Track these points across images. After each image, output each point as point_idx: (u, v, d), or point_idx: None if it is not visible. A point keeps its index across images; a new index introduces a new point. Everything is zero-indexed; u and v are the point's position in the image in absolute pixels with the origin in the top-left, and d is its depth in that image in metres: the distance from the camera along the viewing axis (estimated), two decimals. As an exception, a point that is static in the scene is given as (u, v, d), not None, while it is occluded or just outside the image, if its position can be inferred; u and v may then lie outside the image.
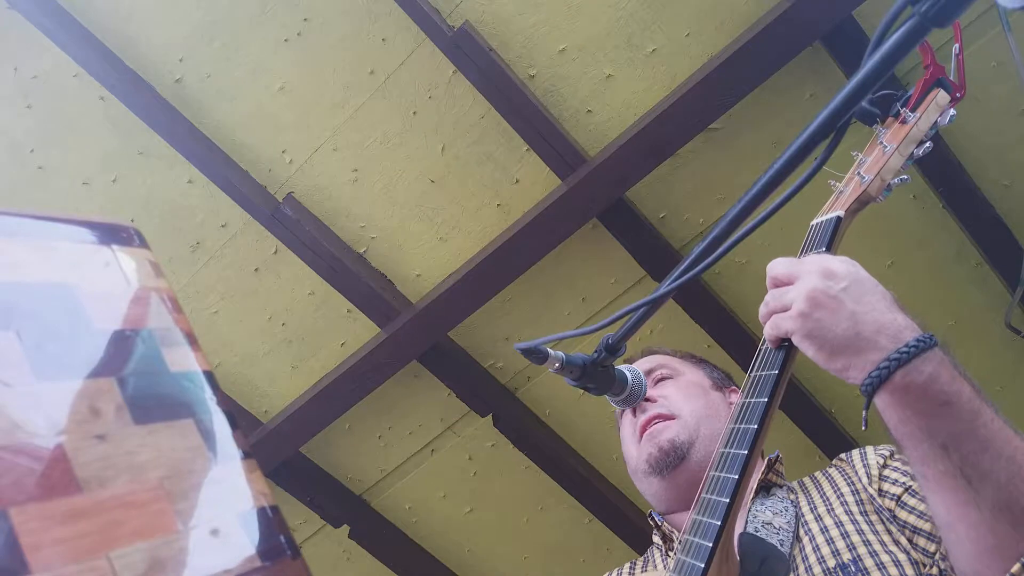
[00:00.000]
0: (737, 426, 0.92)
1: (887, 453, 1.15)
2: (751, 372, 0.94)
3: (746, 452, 0.88)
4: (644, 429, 1.26)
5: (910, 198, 2.06)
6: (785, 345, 0.90)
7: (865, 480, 1.11)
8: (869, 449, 1.20)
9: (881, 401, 0.81)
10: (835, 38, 1.83)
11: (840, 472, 1.19)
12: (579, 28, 1.88)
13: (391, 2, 1.81)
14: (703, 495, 0.92)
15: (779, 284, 0.89)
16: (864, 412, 0.84)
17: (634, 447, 1.29)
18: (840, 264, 0.86)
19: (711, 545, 0.87)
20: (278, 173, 2.06)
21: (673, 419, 1.26)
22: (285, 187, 2.07)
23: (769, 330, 0.89)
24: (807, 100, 1.94)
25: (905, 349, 0.79)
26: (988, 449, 0.77)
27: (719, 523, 0.87)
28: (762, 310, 0.91)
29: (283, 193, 2.07)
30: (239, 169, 2.03)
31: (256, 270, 2.17)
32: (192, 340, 0.48)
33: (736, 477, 0.88)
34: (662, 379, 1.35)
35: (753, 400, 0.91)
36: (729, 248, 0.90)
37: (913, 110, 0.98)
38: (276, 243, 2.11)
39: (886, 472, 1.11)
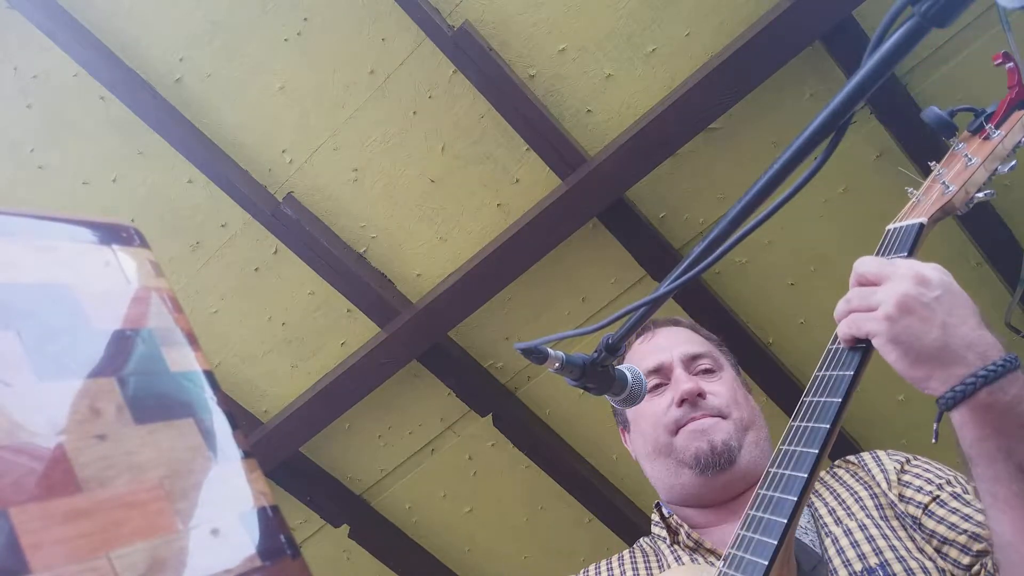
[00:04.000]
0: (805, 424, 0.88)
1: (903, 459, 1.13)
2: (819, 371, 0.91)
3: (816, 451, 0.85)
4: (693, 420, 1.20)
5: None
6: (862, 347, 0.87)
7: (884, 485, 1.09)
8: (882, 454, 1.17)
9: (960, 417, 0.79)
10: (835, 38, 1.83)
11: (851, 474, 1.17)
12: (579, 28, 1.88)
13: (391, 2, 1.81)
14: (761, 492, 0.89)
15: (866, 283, 0.86)
16: (935, 425, 0.82)
17: (666, 433, 1.22)
18: (934, 272, 0.83)
19: (776, 543, 0.84)
20: (278, 173, 2.06)
21: (725, 419, 1.20)
22: (285, 187, 2.07)
23: (846, 328, 0.85)
24: (807, 100, 1.94)
25: (992, 367, 0.77)
26: None
27: (785, 521, 0.84)
28: (841, 307, 0.88)
29: (283, 193, 2.07)
30: (239, 169, 2.03)
31: (256, 270, 2.17)
32: (192, 340, 0.48)
33: (805, 476, 0.84)
34: (708, 371, 1.28)
35: (824, 399, 0.88)
36: (729, 248, 0.90)
37: (997, 127, 0.98)
38: (276, 243, 2.11)
39: (906, 478, 1.09)
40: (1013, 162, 0.99)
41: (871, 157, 2.00)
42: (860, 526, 1.06)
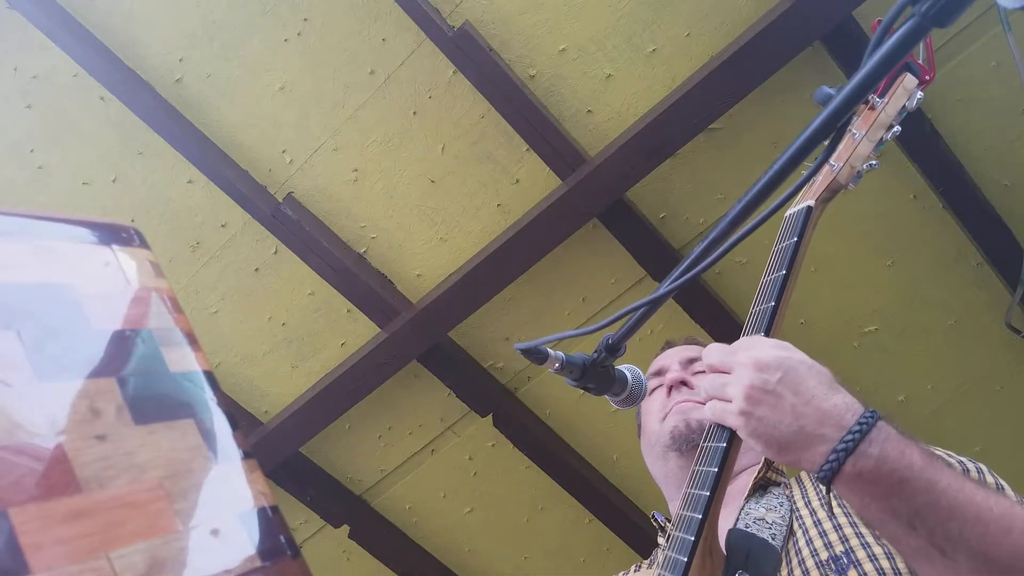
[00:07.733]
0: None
1: None
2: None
3: (724, 445, 0.90)
4: (676, 404, 1.27)
5: (910, 198, 2.06)
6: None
7: None
8: None
9: (839, 490, 0.80)
10: (835, 38, 1.83)
11: None
12: (579, 28, 1.88)
13: (391, 2, 1.81)
14: (687, 490, 0.94)
15: (716, 371, 0.90)
16: (828, 496, 0.84)
17: (658, 423, 1.28)
18: (770, 353, 0.85)
19: (693, 539, 0.89)
20: (278, 173, 2.06)
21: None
22: (285, 187, 2.07)
23: (711, 415, 0.89)
24: (807, 100, 1.93)
25: (849, 437, 0.78)
26: (953, 516, 0.76)
27: (700, 516, 0.89)
28: (701, 393, 0.91)
29: (283, 193, 2.07)
30: (239, 169, 2.03)
31: (256, 270, 2.17)
32: (192, 340, 0.48)
33: (716, 470, 0.90)
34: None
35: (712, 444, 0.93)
36: (729, 248, 0.90)
37: (881, 96, 0.98)
38: (276, 243, 2.11)
39: None
40: (896, 128, 1.00)
41: (871, 157, 2.01)
42: (829, 515, 1.07)
